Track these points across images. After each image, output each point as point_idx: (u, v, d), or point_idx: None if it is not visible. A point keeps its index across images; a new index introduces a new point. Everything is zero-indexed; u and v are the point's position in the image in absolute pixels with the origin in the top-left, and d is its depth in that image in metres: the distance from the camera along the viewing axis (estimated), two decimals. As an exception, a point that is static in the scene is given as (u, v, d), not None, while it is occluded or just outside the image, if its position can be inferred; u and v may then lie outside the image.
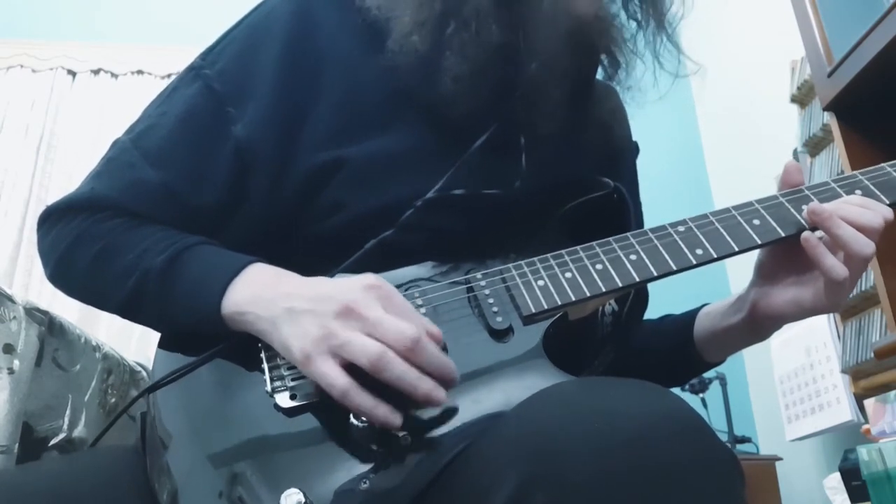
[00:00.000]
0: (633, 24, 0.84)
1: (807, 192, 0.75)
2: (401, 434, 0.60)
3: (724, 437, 2.39)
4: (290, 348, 0.63)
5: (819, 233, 0.71)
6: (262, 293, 0.67)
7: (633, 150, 0.97)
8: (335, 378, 0.59)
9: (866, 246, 0.69)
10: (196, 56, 0.81)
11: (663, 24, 0.83)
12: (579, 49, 0.76)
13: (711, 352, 0.86)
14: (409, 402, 0.60)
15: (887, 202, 0.73)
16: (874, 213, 0.71)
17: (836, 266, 0.69)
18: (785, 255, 0.74)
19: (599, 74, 0.87)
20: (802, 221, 0.72)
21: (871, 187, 0.74)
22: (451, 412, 0.62)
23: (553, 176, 0.79)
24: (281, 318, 0.64)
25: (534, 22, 0.73)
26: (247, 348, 0.68)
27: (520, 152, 0.77)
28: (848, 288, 0.71)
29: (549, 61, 0.74)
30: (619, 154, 0.92)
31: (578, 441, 0.48)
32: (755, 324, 0.79)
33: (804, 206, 0.72)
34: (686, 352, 0.87)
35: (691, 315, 0.89)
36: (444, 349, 0.63)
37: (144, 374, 1.38)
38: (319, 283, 0.66)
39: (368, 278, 0.64)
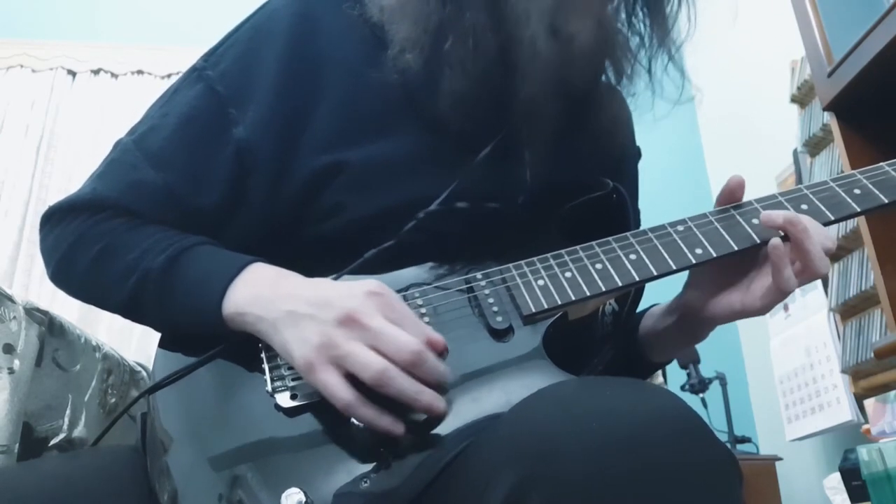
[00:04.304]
0: (637, 40, 0.83)
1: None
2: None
3: (724, 437, 2.39)
4: (292, 353, 0.63)
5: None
6: (262, 293, 0.67)
7: (636, 154, 0.96)
8: (338, 391, 0.60)
9: (826, 266, 0.70)
10: (198, 57, 0.81)
11: (666, 43, 0.82)
12: (578, 66, 0.75)
13: (653, 351, 0.87)
14: (391, 412, 0.60)
15: (885, 201, 0.73)
16: (827, 233, 0.72)
17: (791, 278, 0.69)
18: (721, 260, 0.73)
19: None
20: (753, 234, 0.72)
21: (870, 186, 0.74)
22: (451, 412, 0.62)
23: (556, 185, 0.79)
24: (281, 320, 0.64)
25: (531, 34, 0.73)
26: (247, 348, 0.68)
27: (523, 165, 0.77)
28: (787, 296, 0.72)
29: (544, 85, 0.74)
30: (622, 159, 0.92)
31: (575, 441, 0.48)
32: (688, 325, 0.80)
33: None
34: (629, 349, 0.87)
35: (641, 313, 0.89)
36: (446, 350, 0.63)
37: (144, 374, 1.38)
38: (320, 286, 0.66)
39: (370, 284, 0.64)
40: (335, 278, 0.70)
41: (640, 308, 0.87)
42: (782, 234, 0.70)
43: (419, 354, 0.60)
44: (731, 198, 0.75)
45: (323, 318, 0.62)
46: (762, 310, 0.73)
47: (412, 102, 0.77)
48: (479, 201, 0.74)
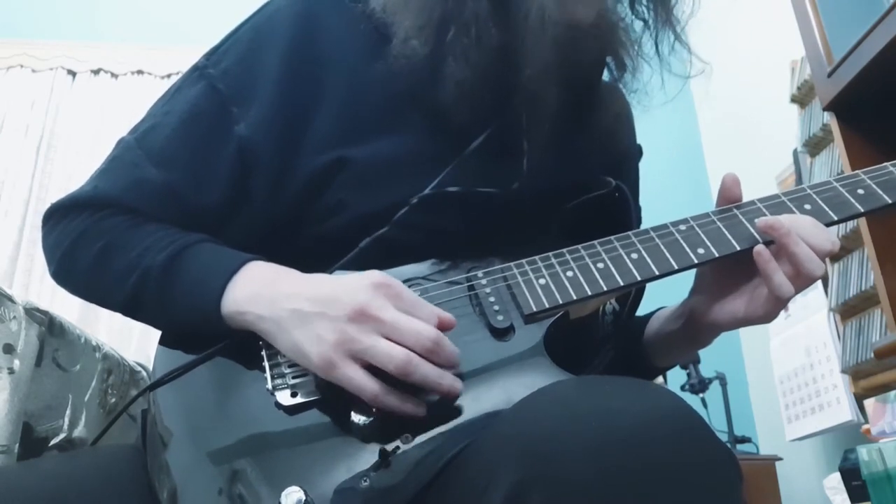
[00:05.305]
0: (640, 24, 0.83)
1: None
2: (402, 432, 0.61)
3: (724, 437, 2.39)
4: (307, 353, 0.63)
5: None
6: (261, 291, 0.67)
7: (637, 153, 0.96)
8: (365, 383, 0.61)
9: (819, 268, 0.69)
10: (200, 56, 0.81)
11: (671, 22, 0.82)
12: (582, 52, 0.75)
13: (657, 355, 0.87)
14: (413, 396, 0.61)
15: (889, 201, 0.73)
16: (826, 235, 0.70)
17: (784, 283, 0.69)
18: (725, 265, 0.73)
19: (605, 76, 0.86)
20: (755, 234, 0.72)
21: (874, 186, 0.74)
22: (452, 410, 0.62)
23: (555, 179, 0.79)
24: (287, 320, 0.64)
25: (534, 25, 0.73)
26: (247, 346, 0.68)
27: (521, 155, 0.77)
28: (786, 303, 0.71)
29: (550, 65, 0.74)
30: (623, 158, 0.92)
31: (575, 440, 0.48)
32: (693, 331, 0.79)
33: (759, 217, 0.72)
34: (633, 351, 0.87)
35: (647, 316, 0.89)
36: (453, 325, 0.64)
37: (144, 374, 1.38)
38: (321, 283, 0.66)
39: (374, 276, 0.64)
40: (332, 272, 0.70)
41: (642, 308, 0.87)
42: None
43: (437, 341, 0.61)
44: (730, 195, 0.75)
45: (334, 315, 0.62)
46: (764, 317, 0.73)
47: (414, 97, 0.77)
48: (471, 186, 0.74)
